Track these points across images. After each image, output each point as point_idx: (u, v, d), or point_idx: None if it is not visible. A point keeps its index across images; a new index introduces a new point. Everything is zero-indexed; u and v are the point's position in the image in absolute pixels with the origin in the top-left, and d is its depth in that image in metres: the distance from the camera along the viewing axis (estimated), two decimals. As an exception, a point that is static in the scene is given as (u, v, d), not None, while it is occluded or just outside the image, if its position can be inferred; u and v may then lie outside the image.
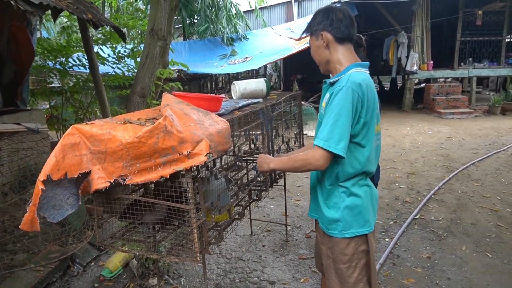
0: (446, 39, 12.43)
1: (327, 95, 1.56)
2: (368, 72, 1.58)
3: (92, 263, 3.01)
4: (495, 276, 2.73)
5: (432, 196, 4.29)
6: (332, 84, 1.55)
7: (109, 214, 1.85)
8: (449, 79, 11.15)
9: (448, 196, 4.29)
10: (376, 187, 2.21)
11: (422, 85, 12.73)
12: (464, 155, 6.01)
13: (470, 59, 10.75)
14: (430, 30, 10.46)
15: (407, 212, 3.88)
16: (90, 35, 4.09)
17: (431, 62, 10.47)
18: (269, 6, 15.70)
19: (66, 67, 4.72)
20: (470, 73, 10.61)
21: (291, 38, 10.31)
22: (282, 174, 2.90)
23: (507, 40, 10.86)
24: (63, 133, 4.82)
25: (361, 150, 1.54)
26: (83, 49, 4.42)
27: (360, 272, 1.61)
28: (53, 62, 4.71)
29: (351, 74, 1.49)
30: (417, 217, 3.76)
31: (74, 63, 4.74)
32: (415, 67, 10.19)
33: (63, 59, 4.68)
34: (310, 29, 1.64)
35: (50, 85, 5.35)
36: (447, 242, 3.25)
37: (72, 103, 4.99)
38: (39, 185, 1.42)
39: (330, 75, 1.66)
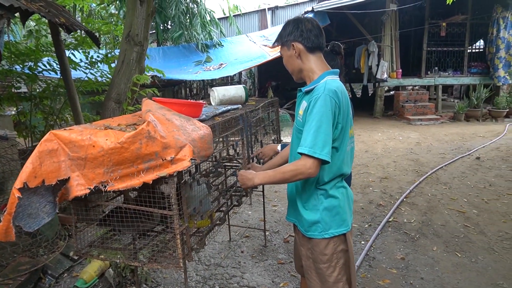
0: (413, 49, 13.00)
1: (304, 103, 1.61)
2: (339, 79, 1.65)
3: (65, 274, 2.90)
4: (464, 274, 2.86)
5: (404, 199, 4.44)
6: (308, 92, 1.61)
7: (86, 222, 1.80)
8: (417, 87, 11.64)
9: (419, 199, 4.46)
10: None
11: (392, 92, 13.20)
12: (432, 159, 6.27)
13: (436, 68, 11.28)
14: (399, 40, 10.89)
15: (381, 215, 4.00)
16: (62, 39, 3.98)
17: (400, 70, 10.90)
18: (243, 13, 15.84)
19: (35, 72, 4.56)
20: (436, 81, 11.12)
21: (265, 45, 10.43)
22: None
23: (468, 50, 11.49)
24: (32, 140, 4.62)
25: (337, 154, 1.60)
26: (54, 54, 4.28)
27: (340, 271, 1.66)
28: (21, 66, 4.53)
29: (327, 82, 1.55)
30: (390, 219, 3.89)
31: (44, 67, 4.58)
32: (385, 75, 10.56)
33: (32, 64, 4.52)
34: (281, 40, 1.68)
35: (18, 91, 5.14)
36: (419, 243, 3.37)
37: (41, 109, 4.81)
38: (15, 193, 1.37)
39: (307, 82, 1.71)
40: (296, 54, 1.64)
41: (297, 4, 17.66)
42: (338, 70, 1.68)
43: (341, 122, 1.55)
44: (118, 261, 1.72)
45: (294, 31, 1.63)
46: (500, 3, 10.43)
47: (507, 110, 10.15)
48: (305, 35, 1.61)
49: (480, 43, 12.27)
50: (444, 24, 10.74)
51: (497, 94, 10.72)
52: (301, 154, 1.50)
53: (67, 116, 5.01)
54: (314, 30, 1.62)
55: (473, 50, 12.15)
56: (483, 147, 7.05)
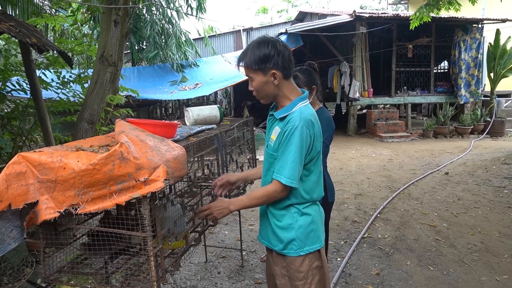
0: (383, 69, 13.55)
1: (277, 128, 1.64)
2: (308, 102, 1.67)
3: (32, 304, 2.75)
4: (437, 287, 2.93)
5: (378, 215, 4.53)
6: (282, 119, 1.62)
7: (56, 247, 1.74)
8: (388, 106, 12.08)
9: (392, 215, 4.56)
10: (331, 208, 2.34)
11: (364, 111, 13.60)
12: (404, 175, 6.47)
13: (405, 87, 11.77)
14: (369, 61, 11.33)
15: (356, 232, 4.05)
16: (33, 59, 3.91)
17: (371, 90, 11.29)
18: (219, 34, 16.06)
19: (4, 92, 4.43)
20: (405, 100, 11.59)
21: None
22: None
23: (434, 71, 12.10)
24: (-3, 162, 4.41)
25: (310, 175, 1.66)
26: (24, 73, 4.19)
27: None
28: (-12, 86, 4.40)
29: (302, 111, 1.57)
30: (365, 236, 3.95)
31: (13, 87, 4.46)
32: (357, 94, 10.91)
33: (0, 83, 4.39)
34: (258, 65, 1.57)
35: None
36: (394, 258, 3.43)
37: (9, 130, 4.65)
38: (-21, 218, 1.32)
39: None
40: (276, 82, 1.59)
41: (271, 25, 18.18)
42: (307, 93, 1.68)
43: (315, 147, 1.62)
44: (89, 286, 1.66)
45: (275, 58, 1.55)
46: (460, 27, 11.12)
47: (472, 127, 10.67)
48: (286, 64, 1.57)
49: (445, 64, 12.95)
50: (410, 46, 11.29)
51: (462, 112, 11.27)
52: (279, 182, 1.57)
53: (37, 137, 4.87)
54: (290, 56, 1.60)
55: (439, 71, 12.80)
56: (451, 162, 7.34)
